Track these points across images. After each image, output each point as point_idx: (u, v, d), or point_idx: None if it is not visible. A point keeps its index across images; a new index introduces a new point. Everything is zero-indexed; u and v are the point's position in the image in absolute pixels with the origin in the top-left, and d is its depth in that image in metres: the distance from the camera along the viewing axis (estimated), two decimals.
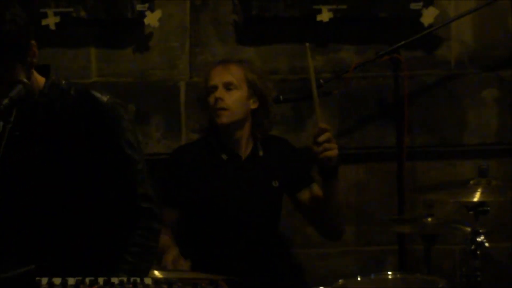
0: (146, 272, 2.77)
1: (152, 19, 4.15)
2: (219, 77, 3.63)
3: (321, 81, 3.94)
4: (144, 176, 2.84)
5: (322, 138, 3.42)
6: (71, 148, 2.76)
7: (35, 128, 2.76)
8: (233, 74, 3.64)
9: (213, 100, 3.61)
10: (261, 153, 3.73)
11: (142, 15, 4.14)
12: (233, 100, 3.61)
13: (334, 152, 3.44)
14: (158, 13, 4.15)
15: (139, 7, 4.14)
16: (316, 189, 3.75)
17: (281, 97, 3.84)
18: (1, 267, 2.49)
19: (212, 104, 3.62)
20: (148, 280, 2.57)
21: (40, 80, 2.76)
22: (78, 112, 2.77)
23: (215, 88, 3.62)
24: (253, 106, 3.68)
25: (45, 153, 2.76)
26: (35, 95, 2.72)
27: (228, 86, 3.62)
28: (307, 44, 3.47)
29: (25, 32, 2.64)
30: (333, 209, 3.62)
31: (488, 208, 3.09)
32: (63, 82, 2.82)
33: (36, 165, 2.76)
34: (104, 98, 2.81)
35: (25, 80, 2.56)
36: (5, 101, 2.44)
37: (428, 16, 4.24)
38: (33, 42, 2.67)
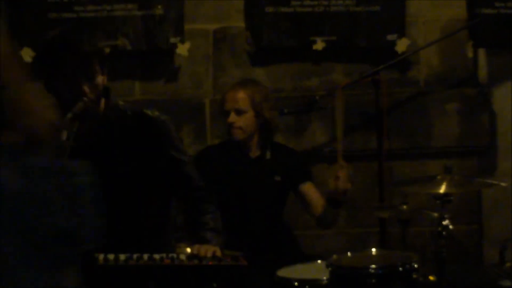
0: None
1: (182, 49, 4.16)
2: (231, 104, 3.60)
3: (317, 97, 3.89)
4: (195, 171, 2.85)
5: (341, 173, 3.45)
6: (131, 155, 2.73)
7: (101, 141, 2.71)
8: (241, 101, 3.59)
9: (228, 121, 3.62)
10: (268, 156, 3.70)
11: (174, 46, 4.16)
12: (243, 122, 3.59)
13: (348, 186, 3.47)
14: (187, 45, 4.16)
15: (172, 40, 4.15)
16: (310, 187, 3.70)
17: (285, 110, 3.82)
18: None
19: (228, 124, 3.62)
20: (182, 256, 2.58)
21: (101, 100, 2.70)
22: (136, 128, 2.75)
23: (228, 112, 3.61)
24: (260, 121, 3.64)
25: (110, 162, 2.71)
26: (98, 112, 2.67)
27: (238, 112, 3.59)
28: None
29: (92, 56, 2.61)
30: (328, 222, 3.69)
31: (452, 198, 3.06)
32: (121, 103, 2.78)
33: (106, 169, 2.71)
34: (155, 115, 2.78)
35: (85, 98, 2.54)
36: (69, 115, 2.45)
37: (401, 45, 4.26)
38: (97, 67, 2.61)
